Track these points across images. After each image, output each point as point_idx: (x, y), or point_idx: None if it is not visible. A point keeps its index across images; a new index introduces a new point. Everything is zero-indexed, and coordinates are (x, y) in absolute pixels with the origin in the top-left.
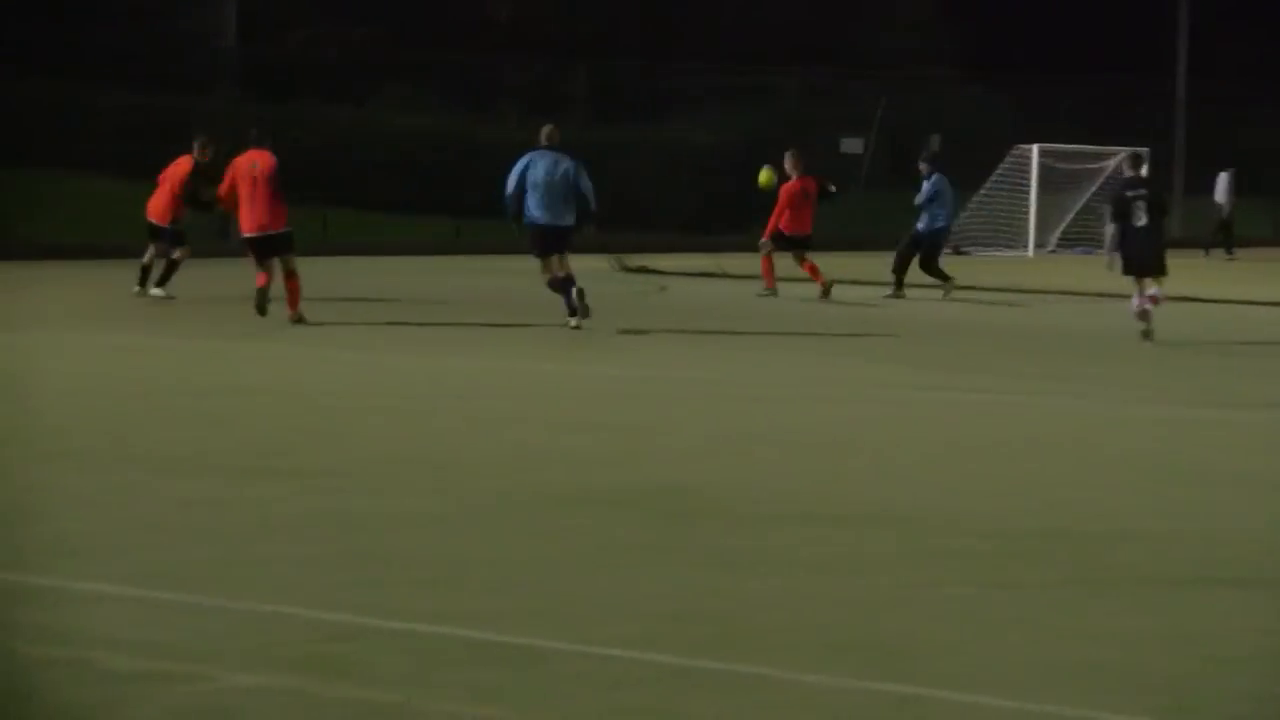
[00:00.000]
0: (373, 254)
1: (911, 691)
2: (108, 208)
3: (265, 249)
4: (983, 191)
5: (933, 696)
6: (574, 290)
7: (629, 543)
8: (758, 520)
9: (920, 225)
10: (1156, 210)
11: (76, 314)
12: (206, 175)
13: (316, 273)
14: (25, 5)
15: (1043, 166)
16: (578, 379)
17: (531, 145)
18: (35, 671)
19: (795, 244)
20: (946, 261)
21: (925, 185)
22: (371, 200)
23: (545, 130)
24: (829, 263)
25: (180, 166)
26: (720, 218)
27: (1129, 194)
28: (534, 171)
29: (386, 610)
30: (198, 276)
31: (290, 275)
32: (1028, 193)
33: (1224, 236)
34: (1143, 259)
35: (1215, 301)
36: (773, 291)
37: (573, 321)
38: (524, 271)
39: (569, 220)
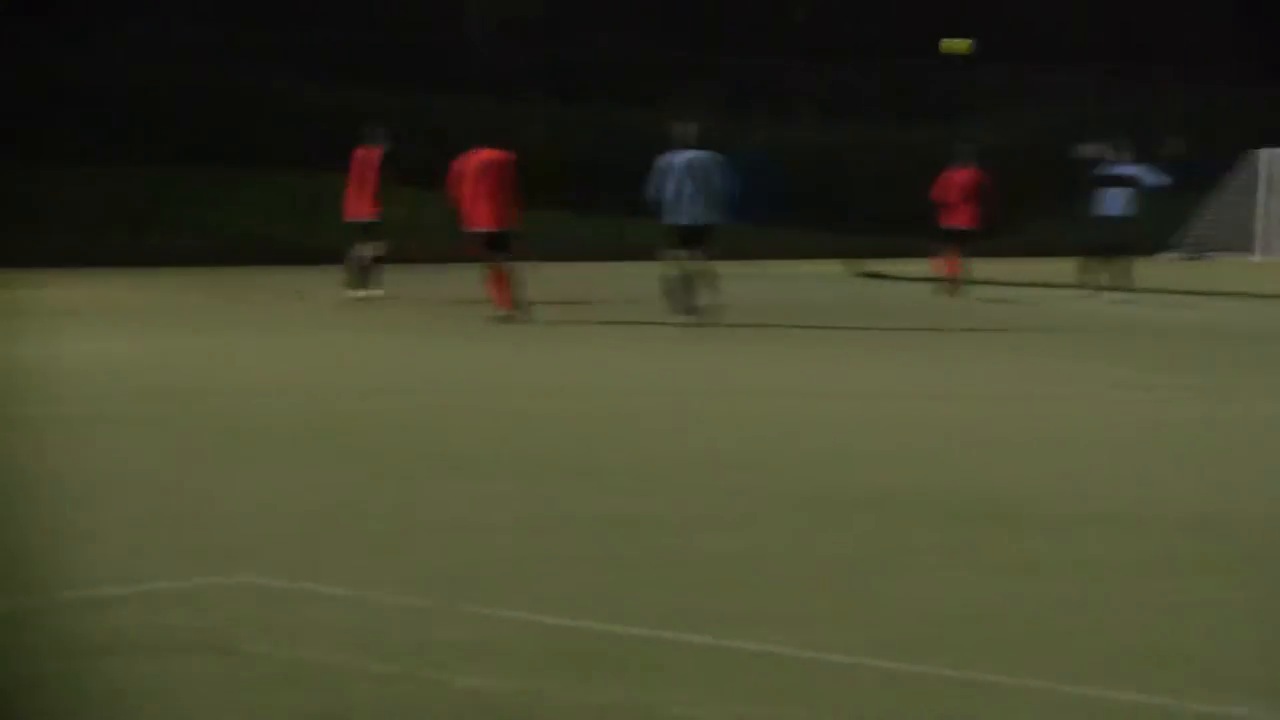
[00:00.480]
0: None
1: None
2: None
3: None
4: (1225, 195)
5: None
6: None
7: (921, 545)
8: (1055, 524)
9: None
10: None
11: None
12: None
13: (609, 276)
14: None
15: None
16: (842, 384)
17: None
18: (288, 673)
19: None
20: (1173, 266)
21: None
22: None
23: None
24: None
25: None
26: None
27: None
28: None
29: (676, 614)
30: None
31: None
32: (1255, 196)
33: None
34: None
35: None
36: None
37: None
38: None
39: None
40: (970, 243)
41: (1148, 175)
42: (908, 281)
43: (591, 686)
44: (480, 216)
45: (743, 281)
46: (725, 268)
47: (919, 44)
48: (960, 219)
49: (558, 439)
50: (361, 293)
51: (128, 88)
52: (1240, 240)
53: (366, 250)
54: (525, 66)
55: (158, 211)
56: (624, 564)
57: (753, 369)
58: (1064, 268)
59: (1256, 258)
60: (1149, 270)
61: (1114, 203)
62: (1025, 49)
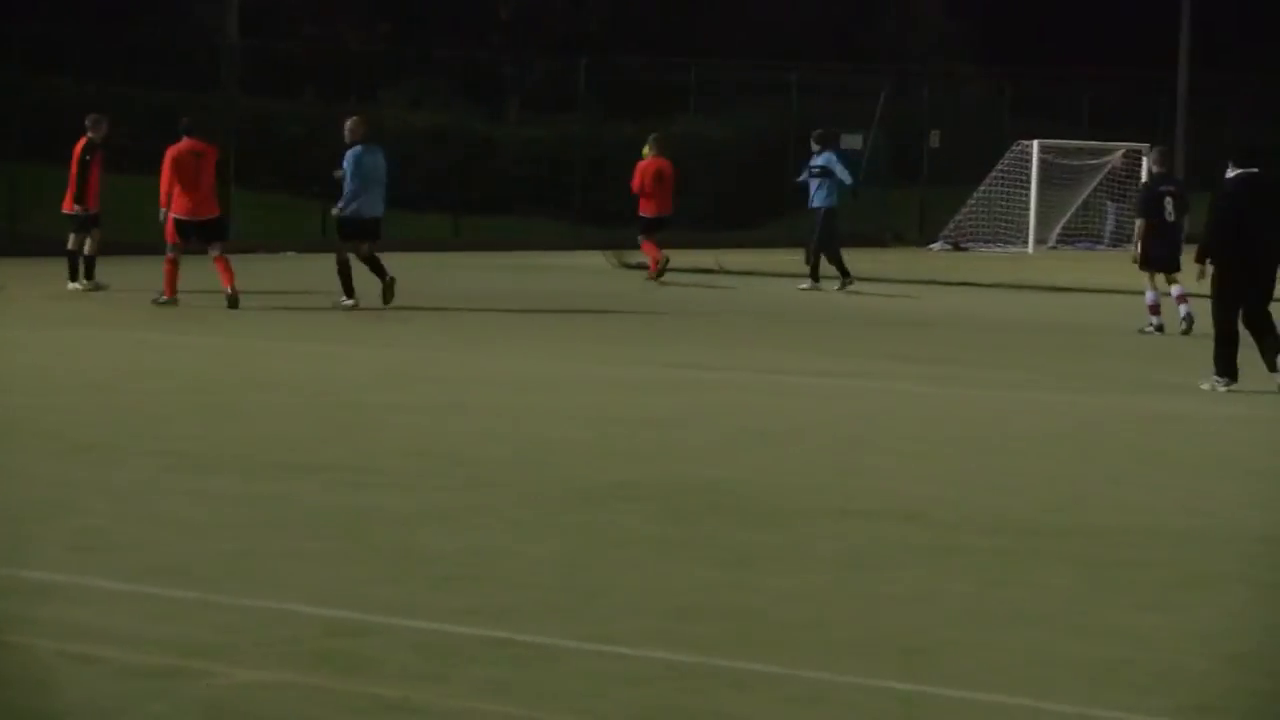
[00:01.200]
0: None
1: (927, 690)
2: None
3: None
4: (983, 187)
5: (948, 696)
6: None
7: (644, 538)
8: (775, 515)
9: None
10: (1183, 207)
11: (104, 310)
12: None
13: (317, 268)
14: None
15: (1043, 162)
16: (584, 375)
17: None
18: (50, 666)
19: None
20: (929, 256)
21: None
22: None
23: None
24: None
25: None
26: (729, 214)
27: (1160, 189)
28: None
29: (399, 606)
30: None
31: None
32: (1028, 189)
33: None
34: (1170, 255)
35: None
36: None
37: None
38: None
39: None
40: (663, 230)
41: (838, 168)
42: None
43: (325, 677)
44: (201, 205)
45: (482, 272)
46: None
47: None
48: (649, 208)
49: (280, 432)
50: (80, 285)
51: None
52: (1010, 232)
53: (82, 241)
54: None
55: None
56: (354, 558)
57: (455, 360)
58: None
59: (1030, 249)
60: (905, 260)
61: (817, 194)
62: (741, 47)
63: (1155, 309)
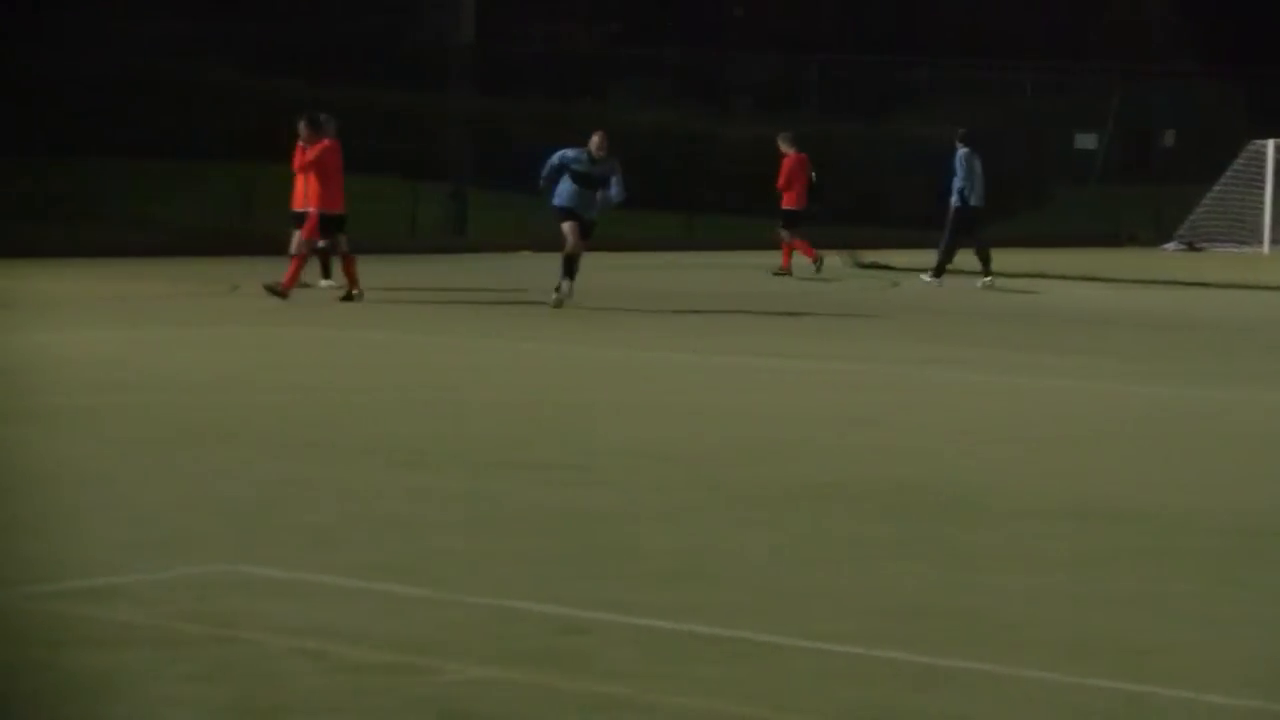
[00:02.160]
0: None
1: (1153, 691)
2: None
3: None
4: (1218, 187)
5: (1175, 696)
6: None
7: (867, 537)
8: (997, 516)
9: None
10: None
11: (331, 309)
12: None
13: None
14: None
15: (1277, 162)
16: (803, 372)
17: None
18: (280, 661)
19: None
20: (1164, 256)
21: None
22: None
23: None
24: (1068, 260)
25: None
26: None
27: None
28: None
29: (621, 604)
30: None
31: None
32: (1263, 189)
33: None
34: None
35: None
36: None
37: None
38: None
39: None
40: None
41: (960, 169)
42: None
43: (550, 675)
44: (339, 200)
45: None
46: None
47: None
48: (792, 201)
49: (497, 430)
50: (325, 283)
51: (57, 79)
52: (1244, 233)
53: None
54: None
55: (96, 203)
56: (576, 556)
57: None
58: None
59: (1265, 249)
60: (1140, 260)
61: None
62: (969, 44)
63: None
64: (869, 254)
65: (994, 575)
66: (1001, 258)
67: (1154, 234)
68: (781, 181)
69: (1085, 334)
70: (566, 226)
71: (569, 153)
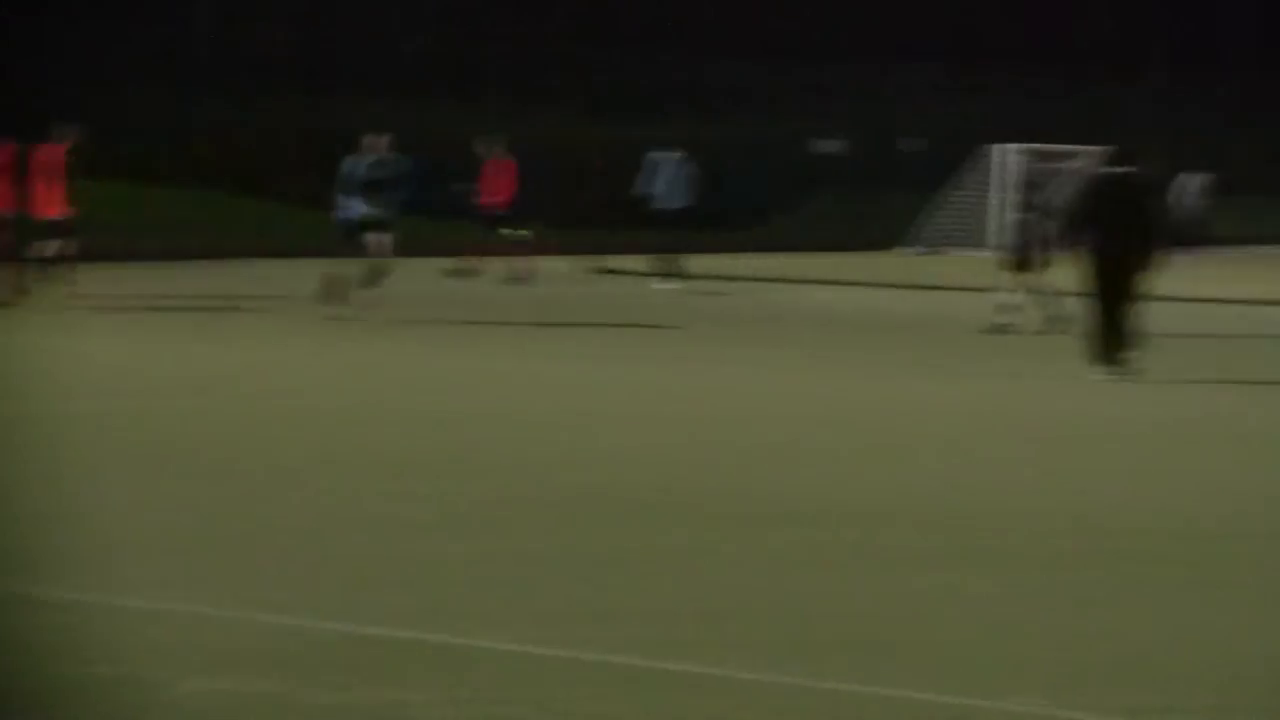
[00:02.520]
0: None
1: (885, 693)
2: None
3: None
4: (957, 192)
5: (908, 698)
6: None
7: (672, 546)
8: (724, 519)
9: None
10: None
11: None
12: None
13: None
14: None
15: (1015, 166)
16: (537, 375)
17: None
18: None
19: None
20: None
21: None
22: None
23: None
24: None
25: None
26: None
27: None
28: None
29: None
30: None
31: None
32: (996, 193)
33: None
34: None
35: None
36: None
37: None
38: None
39: None
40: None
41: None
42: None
43: (331, 688)
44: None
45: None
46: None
47: None
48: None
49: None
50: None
51: None
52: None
53: (52, 248)
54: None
55: None
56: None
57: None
58: None
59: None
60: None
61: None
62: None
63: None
64: (612, 260)
65: (790, 578)
66: (744, 262)
67: (896, 238)
68: (488, 186)
69: (816, 333)
70: (373, 237)
71: (351, 161)
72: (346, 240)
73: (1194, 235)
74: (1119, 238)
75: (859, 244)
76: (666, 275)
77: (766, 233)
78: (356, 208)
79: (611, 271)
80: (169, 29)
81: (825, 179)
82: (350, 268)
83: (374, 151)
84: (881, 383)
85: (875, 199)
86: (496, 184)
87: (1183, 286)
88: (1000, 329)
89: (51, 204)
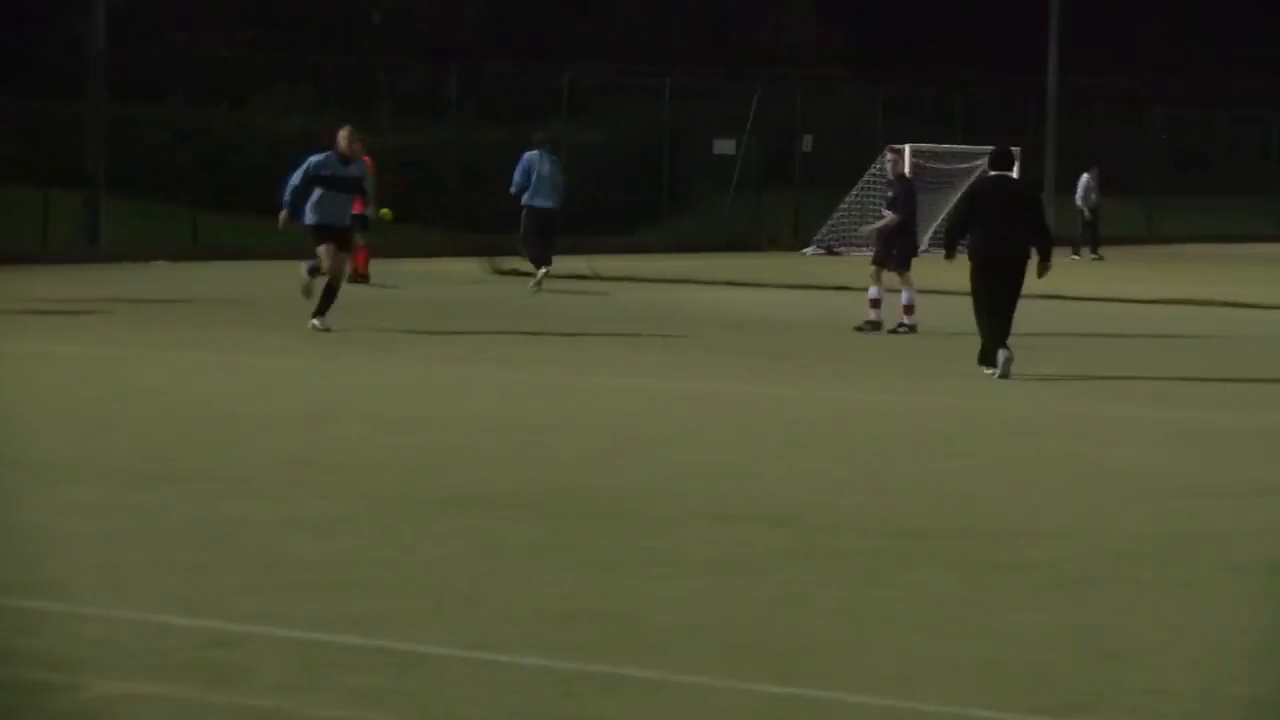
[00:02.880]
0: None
1: (801, 693)
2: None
3: None
4: (855, 192)
5: (823, 698)
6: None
7: (519, 544)
8: (651, 521)
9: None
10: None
11: None
12: None
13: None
14: None
15: (915, 165)
16: (465, 380)
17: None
18: None
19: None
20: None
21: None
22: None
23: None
24: (709, 265)
25: None
26: (598, 219)
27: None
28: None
29: (270, 616)
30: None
31: None
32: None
33: (1089, 235)
34: None
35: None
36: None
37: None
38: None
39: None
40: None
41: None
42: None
43: (198, 688)
44: None
45: None
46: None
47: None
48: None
49: (139, 442)
50: None
51: None
52: None
53: None
54: None
55: None
56: (223, 568)
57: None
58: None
59: None
60: (779, 265)
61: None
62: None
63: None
64: (510, 261)
65: (642, 580)
66: (643, 262)
67: (793, 239)
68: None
69: (718, 336)
70: (323, 250)
71: (315, 159)
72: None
73: (1090, 233)
74: (1000, 240)
75: (751, 245)
76: (496, 273)
77: (658, 232)
78: (317, 211)
79: (511, 272)
80: None
81: (723, 178)
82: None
83: (344, 144)
84: (726, 383)
85: (772, 198)
86: None
87: (1073, 286)
88: (870, 328)
89: None
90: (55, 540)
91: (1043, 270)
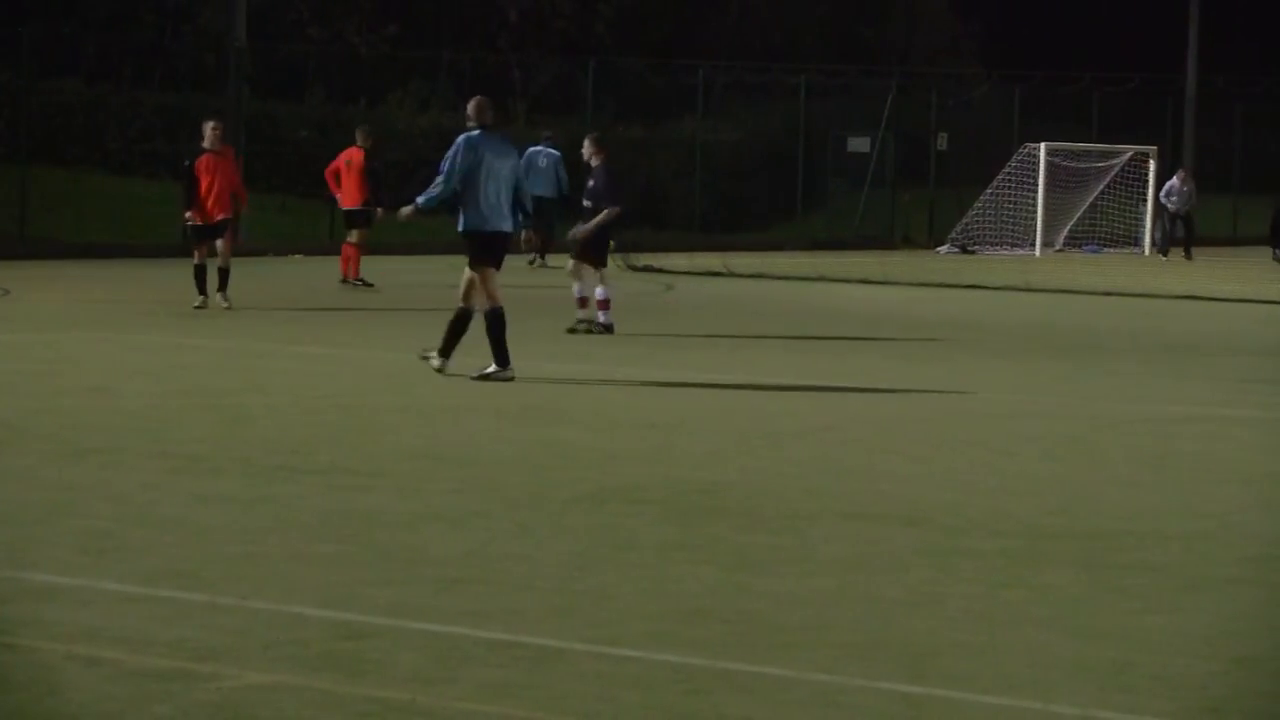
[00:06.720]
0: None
1: (932, 693)
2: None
3: None
4: (991, 190)
5: (954, 698)
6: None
7: (649, 541)
8: (780, 519)
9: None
10: None
11: (109, 313)
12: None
13: (325, 271)
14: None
15: (1050, 165)
16: (590, 379)
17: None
18: (56, 668)
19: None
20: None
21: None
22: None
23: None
24: (841, 261)
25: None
26: (732, 216)
27: None
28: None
29: (404, 609)
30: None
31: None
32: (1036, 191)
33: (1183, 234)
34: None
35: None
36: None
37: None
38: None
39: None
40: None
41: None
42: (691, 276)
43: (330, 680)
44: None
45: None
46: None
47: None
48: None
49: (281, 436)
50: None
51: None
52: (1016, 235)
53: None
54: None
55: None
56: (358, 560)
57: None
58: None
59: (1036, 252)
60: (913, 263)
61: None
62: (747, 48)
63: None
64: (644, 257)
65: (772, 578)
66: (778, 260)
67: (927, 237)
68: (338, 178)
69: (860, 334)
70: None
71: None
72: None
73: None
74: None
75: (885, 243)
76: (629, 269)
77: (799, 229)
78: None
79: (645, 269)
80: None
81: (857, 176)
82: None
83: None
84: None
85: (907, 196)
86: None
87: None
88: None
89: None
90: (195, 531)
91: None
